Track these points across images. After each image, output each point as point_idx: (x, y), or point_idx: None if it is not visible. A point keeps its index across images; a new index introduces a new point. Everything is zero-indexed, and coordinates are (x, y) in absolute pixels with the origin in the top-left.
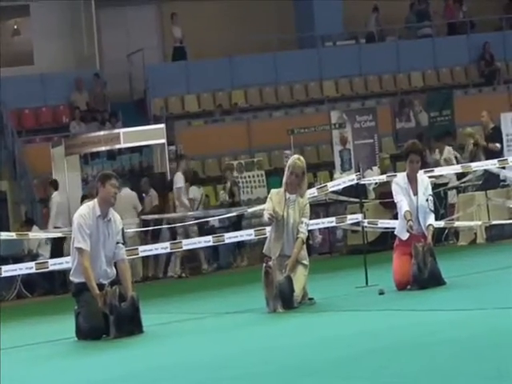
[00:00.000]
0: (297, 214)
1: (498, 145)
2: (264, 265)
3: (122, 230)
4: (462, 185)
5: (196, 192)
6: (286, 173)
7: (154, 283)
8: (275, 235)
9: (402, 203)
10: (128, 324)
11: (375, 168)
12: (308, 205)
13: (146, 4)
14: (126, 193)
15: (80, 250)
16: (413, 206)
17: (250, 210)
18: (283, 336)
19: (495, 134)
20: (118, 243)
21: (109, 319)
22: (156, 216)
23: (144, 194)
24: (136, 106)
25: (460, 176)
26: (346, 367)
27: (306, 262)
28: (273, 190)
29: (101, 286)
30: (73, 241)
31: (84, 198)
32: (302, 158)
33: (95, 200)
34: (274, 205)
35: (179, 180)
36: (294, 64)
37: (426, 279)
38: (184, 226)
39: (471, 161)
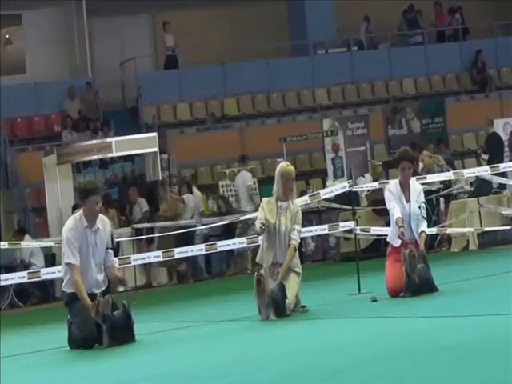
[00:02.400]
0: (288, 222)
1: (484, 156)
2: (256, 273)
3: (112, 234)
4: (454, 191)
5: (191, 200)
6: (278, 181)
7: (147, 291)
8: (268, 244)
9: (394, 210)
10: (121, 333)
11: (367, 175)
12: (300, 211)
13: (138, 13)
14: (196, 193)
15: (70, 265)
16: (405, 212)
17: (242, 218)
18: (276, 344)
19: (490, 140)
20: (107, 249)
21: (101, 328)
22: (148, 225)
23: (134, 204)
24: (128, 114)
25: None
26: (340, 376)
27: (298, 269)
28: (264, 199)
29: (93, 296)
30: (63, 255)
31: (75, 208)
32: (288, 163)
33: (81, 211)
34: (265, 213)
35: (248, 178)
36: (287, 72)
37: (417, 285)
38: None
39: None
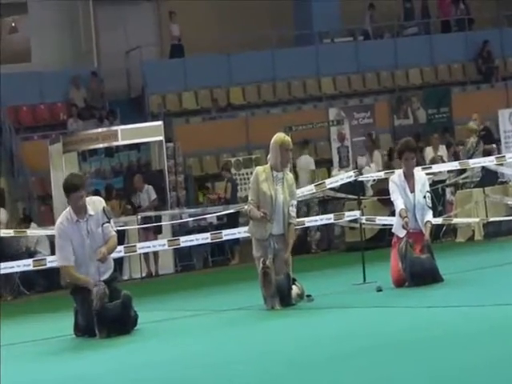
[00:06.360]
0: (286, 193)
1: (494, 146)
2: (262, 265)
3: (104, 208)
4: (460, 181)
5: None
6: (275, 151)
7: (152, 280)
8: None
9: (398, 201)
10: (114, 325)
11: (373, 165)
12: (294, 184)
13: (143, 1)
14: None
15: (62, 267)
16: (410, 203)
17: (246, 207)
18: (279, 333)
19: (487, 135)
20: (103, 225)
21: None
22: (153, 213)
23: (140, 192)
24: (133, 103)
25: (456, 173)
26: (339, 366)
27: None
28: (258, 168)
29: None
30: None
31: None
32: (284, 134)
33: (70, 207)
34: (259, 185)
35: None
36: (292, 61)
37: (415, 274)
38: None
39: (470, 158)
